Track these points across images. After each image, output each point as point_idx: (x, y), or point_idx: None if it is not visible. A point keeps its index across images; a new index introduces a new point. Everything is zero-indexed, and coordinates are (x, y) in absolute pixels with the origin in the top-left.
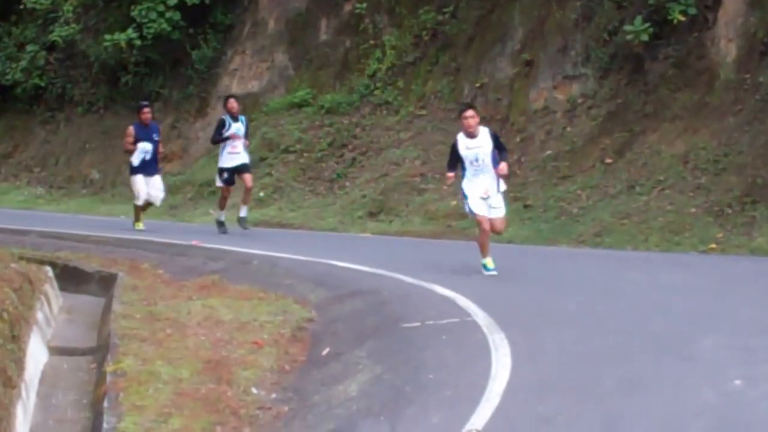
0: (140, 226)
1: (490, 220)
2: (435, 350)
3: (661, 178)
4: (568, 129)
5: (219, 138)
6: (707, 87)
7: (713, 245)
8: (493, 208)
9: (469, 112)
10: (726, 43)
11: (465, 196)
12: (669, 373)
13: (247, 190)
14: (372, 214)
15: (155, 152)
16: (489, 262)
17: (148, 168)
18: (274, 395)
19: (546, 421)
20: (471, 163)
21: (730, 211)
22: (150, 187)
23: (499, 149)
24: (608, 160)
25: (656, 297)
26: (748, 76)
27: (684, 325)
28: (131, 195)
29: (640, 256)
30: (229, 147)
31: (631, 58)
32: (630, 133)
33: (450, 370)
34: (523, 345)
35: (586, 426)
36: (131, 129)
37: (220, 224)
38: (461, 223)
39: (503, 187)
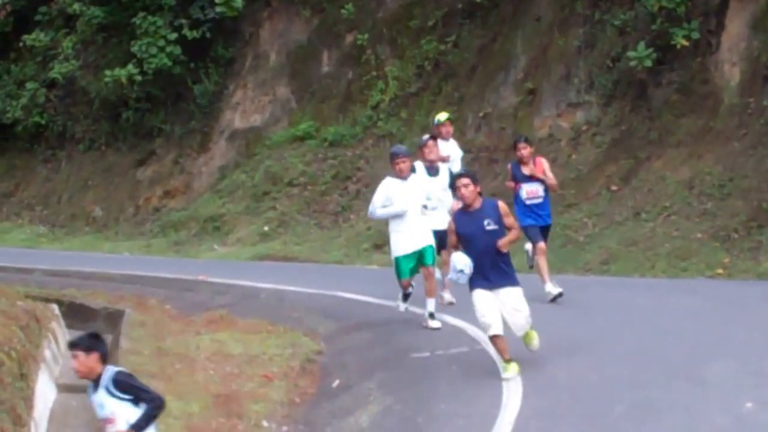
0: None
1: None
2: (446, 380)
3: (667, 204)
4: (573, 157)
5: None
6: (711, 112)
7: (720, 270)
8: None
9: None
10: (730, 68)
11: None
12: (680, 398)
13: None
14: (377, 246)
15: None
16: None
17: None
18: (285, 428)
19: None
20: None
21: (736, 236)
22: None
23: None
24: (614, 188)
25: (665, 323)
26: (752, 100)
27: (694, 350)
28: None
29: (648, 283)
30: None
31: (634, 84)
32: (635, 160)
33: (461, 399)
34: (533, 373)
35: None
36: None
37: None
38: None
39: None
